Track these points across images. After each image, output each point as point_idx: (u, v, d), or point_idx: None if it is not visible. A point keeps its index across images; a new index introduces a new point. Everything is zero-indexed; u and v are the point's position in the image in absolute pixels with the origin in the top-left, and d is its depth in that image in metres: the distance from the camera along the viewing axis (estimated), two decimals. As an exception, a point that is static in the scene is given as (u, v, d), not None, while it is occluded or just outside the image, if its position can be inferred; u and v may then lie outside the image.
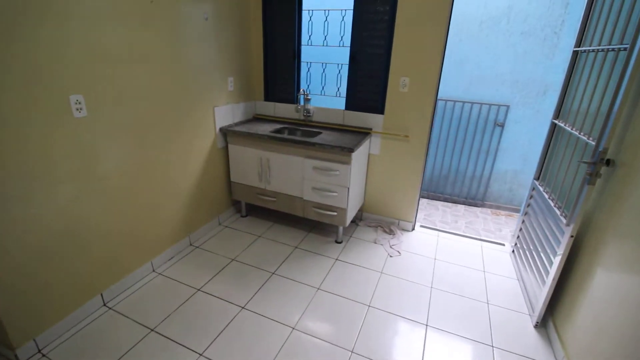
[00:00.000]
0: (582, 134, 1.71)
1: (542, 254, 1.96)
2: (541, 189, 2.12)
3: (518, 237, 2.47)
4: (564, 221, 1.71)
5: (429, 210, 3.65)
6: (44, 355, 1.61)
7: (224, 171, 2.83)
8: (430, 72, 2.37)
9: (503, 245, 2.75)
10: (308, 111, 2.81)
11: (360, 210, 3.00)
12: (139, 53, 1.85)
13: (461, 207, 3.89)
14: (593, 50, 1.75)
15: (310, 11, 2.67)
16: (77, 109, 1.62)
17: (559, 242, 1.76)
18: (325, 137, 2.51)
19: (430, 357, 1.68)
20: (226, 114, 2.71)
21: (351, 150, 2.25)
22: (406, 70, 2.43)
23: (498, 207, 3.82)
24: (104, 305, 1.93)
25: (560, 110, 2.08)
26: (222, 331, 1.79)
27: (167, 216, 2.28)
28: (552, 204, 1.89)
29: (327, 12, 2.62)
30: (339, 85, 2.78)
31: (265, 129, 2.69)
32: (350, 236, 2.77)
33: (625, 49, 1.44)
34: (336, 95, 2.83)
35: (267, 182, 2.68)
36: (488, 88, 3.43)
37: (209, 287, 2.12)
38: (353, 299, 2.07)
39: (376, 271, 2.34)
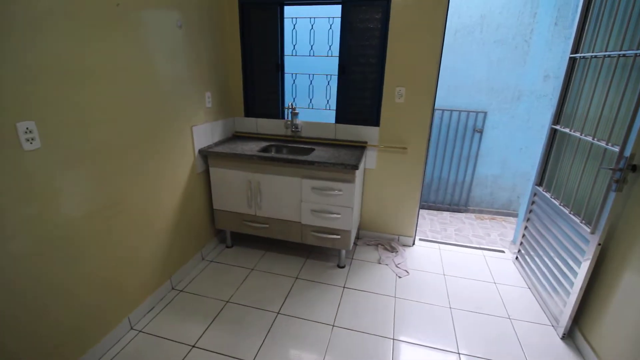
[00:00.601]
0: (596, 139, 1.69)
1: (558, 262, 1.92)
2: (548, 195, 2.10)
3: (522, 243, 2.45)
4: (587, 229, 1.68)
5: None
6: None
7: (205, 198, 2.48)
8: (427, 81, 2.29)
9: (503, 252, 2.73)
10: (296, 126, 2.59)
11: (358, 228, 2.82)
12: (103, 67, 1.50)
13: (446, 214, 3.89)
14: (596, 57, 1.76)
15: (294, 19, 2.47)
16: (28, 140, 1.25)
17: (581, 250, 1.72)
18: (320, 153, 2.31)
19: (475, 393, 1.53)
20: (205, 133, 2.39)
21: (355, 167, 2.07)
22: (402, 80, 2.33)
23: (481, 212, 3.87)
24: (74, 385, 1.51)
25: (560, 116, 2.09)
26: (234, 398, 1.48)
27: (143, 259, 1.90)
28: (567, 211, 1.86)
29: (312, 20, 2.44)
30: (328, 98, 2.60)
31: (251, 148, 2.41)
32: (352, 258, 2.57)
33: (639, 55, 1.44)
34: (325, 108, 2.65)
35: (257, 207, 2.39)
36: (465, 95, 3.49)
37: (204, 342, 1.78)
38: (374, 332, 1.87)
39: (389, 296, 2.16)
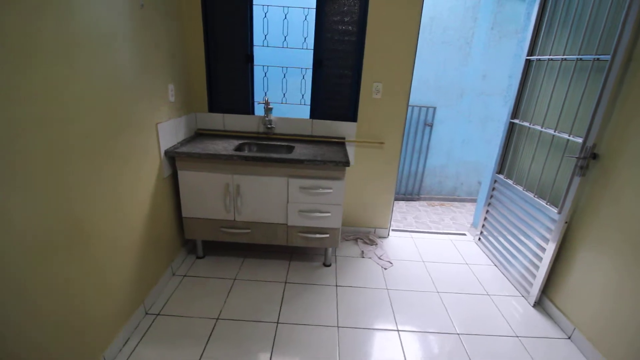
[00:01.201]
0: (557, 132, 1.96)
1: (524, 240, 2.19)
2: (510, 182, 2.37)
3: (483, 226, 2.72)
4: (554, 210, 1.94)
5: (382, 212, 3.72)
6: None
7: (172, 206, 2.18)
8: (403, 77, 2.36)
9: (465, 235, 3.01)
10: (271, 122, 2.43)
11: (334, 224, 2.80)
12: (47, 49, 1.12)
13: (402, 203, 4.13)
14: (552, 60, 2.03)
15: (265, 6, 2.29)
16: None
17: (548, 229, 1.98)
18: (303, 151, 2.21)
19: (482, 368, 1.65)
20: (170, 132, 2.09)
21: (347, 164, 2.03)
22: (379, 76, 2.36)
23: (431, 199, 4.20)
24: None
25: (517, 111, 2.36)
26: None
27: (112, 285, 1.57)
28: (532, 196, 2.13)
29: (286, 9, 2.30)
30: (303, 92, 2.50)
31: (224, 147, 2.19)
32: (335, 255, 2.54)
33: (598, 59, 1.69)
34: (300, 104, 2.54)
35: (237, 212, 2.19)
36: (416, 92, 3.71)
37: (205, 368, 1.57)
38: (377, 326, 1.88)
39: (382, 289, 2.20)
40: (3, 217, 0.99)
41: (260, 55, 2.36)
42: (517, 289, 2.26)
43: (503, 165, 2.51)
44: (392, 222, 3.41)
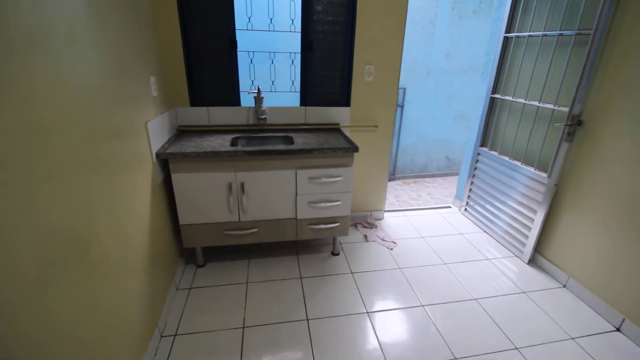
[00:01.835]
0: (541, 103, 2.13)
1: (514, 205, 2.38)
2: (495, 154, 2.54)
3: (469, 197, 2.91)
4: (544, 175, 2.13)
5: (365, 195, 3.78)
6: None
7: (168, 214, 1.96)
8: (393, 58, 2.36)
9: (450, 207, 3.19)
10: (263, 113, 2.27)
11: (332, 212, 2.77)
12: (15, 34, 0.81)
13: (380, 184, 4.22)
14: (532, 36, 2.18)
15: (248, -14, 2.10)
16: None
17: (538, 192, 2.18)
18: (304, 140, 2.12)
19: (507, 319, 1.79)
20: (158, 131, 1.85)
21: (356, 149, 1.99)
22: (371, 58, 2.33)
23: (405, 177, 4.37)
24: None
25: (497, 87, 2.51)
26: None
27: (127, 312, 1.36)
28: (520, 164, 2.31)
29: (271, -11, 2.13)
30: (293, 79, 2.37)
31: (219, 143, 2.00)
32: (340, 243, 2.53)
33: (579, 34, 1.86)
34: (291, 91, 2.41)
35: (242, 212, 2.04)
36: (387, 73, 3.76)
37: (249, 381, 1.47)
38: (407, 305, 1.93)
39: (395, 269, 2.25)
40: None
41: (244, 40, 2.17)
42: (510, 251, 2.47)
43: (486, 138, 2.68)
44: (380, 204, 3.48)
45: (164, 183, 1.91)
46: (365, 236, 2.61)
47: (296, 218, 2.13)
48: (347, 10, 2.21)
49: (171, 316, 1.81)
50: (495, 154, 2.55)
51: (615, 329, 1.79)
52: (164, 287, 1.81)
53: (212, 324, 1.76)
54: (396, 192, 3.95)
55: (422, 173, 4.40)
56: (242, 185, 1.97)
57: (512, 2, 2.28)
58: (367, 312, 1.87)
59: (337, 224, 2.21)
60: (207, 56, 2.17)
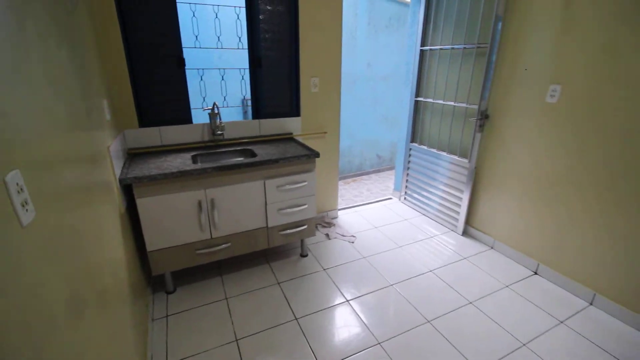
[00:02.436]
0: (456, 103, 2.62)
1: (445, 188, 2.85)
2: (425, 147, 2.99)
3: (406, 187, 3.34)
4: (465, 160, 2.62)
5: (313, 198, 3.98)
6: None
7: (133, 242, 1.86)
8: (334, 70, 2.62)
9: (391, 198, 3.59)
10: (222, 128, 2.29)
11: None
12: None
13: (323, 187, 4.47)
14: (443, 49, 2.66)
15: (192, 5, 2.11)
16: None
17: (463, 175, 2.66)
18: (265, 151, 2.22)
19: (457, 281, 2.16)
20: (115, 156, 1.76)
21: (317, 155, 2.17)
22: (315, 71, 2.54)
23: (345, 178, 4.71)
24: None
25: (420, 91, 2.97)
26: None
27: (113, 352, 1.30)
28: (445, 154, 2.78)
29: (216, 8, 2.18)
30: (244, 94, 2.44)
31: (181, 162, 1.98)
32: (306, 245, 2.67)
33: (479, 47, 2.37)
34: (242, 105, 2.47)
35: (213, 228, 2.04)
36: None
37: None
38: (379, 287, 2.17)
39: (360, 259, 2.49)
40: None
41: (194, 58, 2.18)
42: (446, 227, 2.93)
43: (414, 135, 3.13)
44: (330, 204, 3.71)
45: (128, 210, 1.80)
46: (327, 235, 2.81)
47: (267, 226, 2.21)
48: (290, 28, 2.38)
49: (157, 348, 1.72)
50: (424, 147, 3.00)
51: (533, 273, 2.31)
52: (143, 320, 1.72)
53: (203, 344, 1.74)
54: (340, 192, 4.24)
55: (359, 172, 4.80)
56: (212, 201, 1.98)
57: (424, 21, 2.75)
58: (348, 301, 2.06)
59: (305, 227, 2.35)
60: (156, 76, 2.11)
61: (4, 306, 0.57)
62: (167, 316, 1.94)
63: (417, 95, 3.01)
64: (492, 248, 2.62)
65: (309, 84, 2.56)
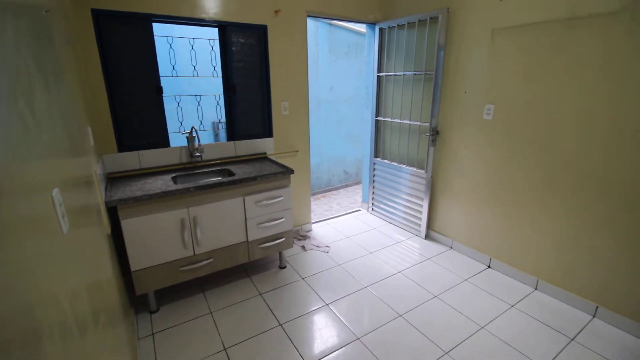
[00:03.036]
0: (410, 121, 2.97)
1: (407, 197, 3.16)
2: (386, 161, 3.30)
3: (373, 199, 3.61)
4: (422, 171, 2.95)
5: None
6: None
7: (116, 263, 1.91)
8: (302, 94, 2.87)
9: (360, 210, 3.84)
10: (201, 150, 2.43)
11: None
12: None
13: (295, 203, 4.64)
14: (396, 75, 3.03)
15: (170, 38, 2.28)
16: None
17: (421, 184, 2.99)
18: (242, 170, 2.38)
19: (423, 279, 2.41)
20: (99, 180, 1.84)
21: (292, 171, 2.37)
22: (285, 95, 2.78)
23: (315, 194, 4.92)
24: None
25: (379, 111, 3.30)
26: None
27: None
28: (405, 166, 3.10)
29: (192, 40, 2.36)
30: (219, 117, 2.60)
31: (162, 183, 2.08)
32: (284, 257, 2.81)
33: (426, 73, 2.75)
34: (216, 129, 2.63)
35: (196, 245, 2.14)
36: (287, 105, 4.29)
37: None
38: (354, 290, 2.36)
39: (336, 266, 2.67)
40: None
41: (171, 86, 2.32)
42: (411, 232, 3.22)
43: (377, 151, 3.44)
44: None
45: (113, 231, 1.87)
46: (303, 247, 2.97)
47: (247, 240, 2.34)
48: (260, 58, 2.61)
49: (145, 366, 1.76)
50: (387, 161, 3.32)
51: (487, 266, 2.63)
52: (131, 338, 1.76)
53: (192, 357, 1.81)
54: (312, 208, 4.44)
55: (328, 187, 5.04)
56: (195, 219, 2.09)
57: (378, 51, 3.12)
58: (327, 304, 2.22)
59: (283, 239, 2.51)
60: (135, 104, 2.22)
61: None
62: (153, 334, 1.98)
63: (377, 115, 3.34)
64: (451, 248, 2.93)
65: (280, 107, 2.78)
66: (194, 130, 2.36)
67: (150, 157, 2.34)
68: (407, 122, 3.02)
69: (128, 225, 1.89)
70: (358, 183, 5.29)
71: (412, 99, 2.94)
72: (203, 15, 2.30)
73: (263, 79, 2.66)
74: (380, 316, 2.10)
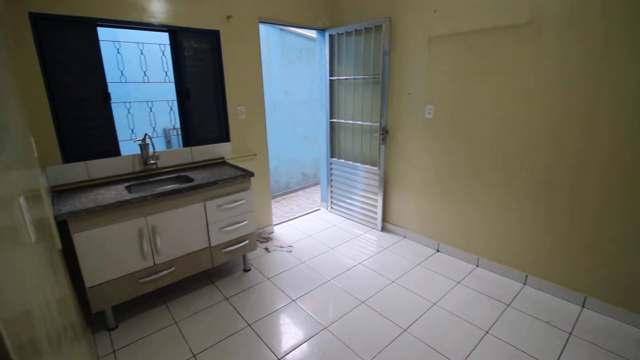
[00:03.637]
0: (362, 122, 3.16)
1: (363, 193, 3.35)
2: (342, 161, 3.47)
3: (332, 198, 3.76)
4: (376, 169, 3.15)
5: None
6: None
7: (69, 281, 1.81)
8: (258, 99, 2.92)
9: (320, 209, 3.97)
10: (156, 157, 2.37)
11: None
12: None
13: (254, 207, 4.63)
14: (347, 79, 3.20)
15: (117, 42, 2.21)
16: None
17: (375, 181, 3.19)
18: (201, 175, 2.38)
19: (381, 267, 2.59)
20: (45, 192, 1.74)
21: (252, 174, 2.41)
22: (241, 100, 2.81)
23: (274, 197, 4.96)
24: None
25: (333, 113, 3.46)
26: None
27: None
28: (360, 164, 3.29)
29: (141, 45, 2.30)
30: (173, 124, 2.56)
31: (116, 193, 2.01)
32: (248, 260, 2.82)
33: (374, 77, 2.95)
34: (170, 135, 2.58)
35: (155, 255, 2.10)
36: (241, 110, 4.29)
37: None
38: (318, 285, 2.46)
39: (299, 264, 2.76)
40: None
41: (120, 92, 2.24)
42: (368, 226, 3.41)
43: (333, 151, 3.59)
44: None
45: (66, 247, 1.77)
46: (266, 248, 3.01)
47: (210, 246, 2.33)
48: (214, 63, 2.62)
49: (107, 382, 1.70)
50: (342, 160, 3.48)
51: (436, 251, 2.89)
52: (91, 358, 1.68)
53: (160, 367, 1.78)
54: (273, 211, 4.47)
55: (287, 190, 5.11)
56: (154, 227, 2.04)
57: (330, 56, 3.27)
58: (294, 300, 2.30)
59: (247, 241, 2.53)
60: (81, 112, 2.11)
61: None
62: (114, 351, 1.90)
63: (331, 117, 3.49)
64: (405, 237, 3.16)
65: (237, 112, 2.81)
66: (147, 137, 2.30)
67: (100, 167, 2.23)
68: (360, 122, 3.20)
69: (80, 239, 1.80)
70: (316, 184, 5.42)
71: (363, 101, 3.14)
72: (152, 20, 2.26)
73: (218, 83, 2.67)
74: (344, 305, 2.23)
